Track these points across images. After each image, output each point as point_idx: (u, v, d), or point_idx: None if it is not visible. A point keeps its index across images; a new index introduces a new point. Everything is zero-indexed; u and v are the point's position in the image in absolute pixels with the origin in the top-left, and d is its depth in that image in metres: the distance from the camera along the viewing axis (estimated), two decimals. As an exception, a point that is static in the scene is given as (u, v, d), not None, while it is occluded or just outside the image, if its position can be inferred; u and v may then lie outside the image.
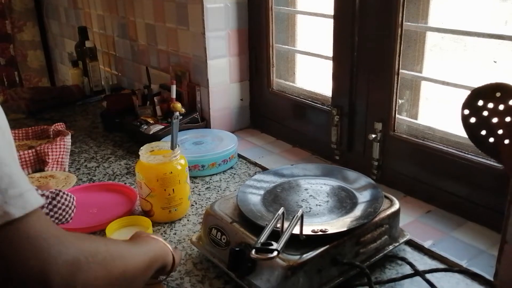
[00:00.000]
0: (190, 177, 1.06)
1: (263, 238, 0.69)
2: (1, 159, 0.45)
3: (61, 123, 1.46)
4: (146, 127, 1.39)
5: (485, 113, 0.72)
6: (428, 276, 0.80)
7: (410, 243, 0.91)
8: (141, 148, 1.01)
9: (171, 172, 0.97)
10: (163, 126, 1.38)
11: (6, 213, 0.43)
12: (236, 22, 1.41)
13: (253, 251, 0.66)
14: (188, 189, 1.04)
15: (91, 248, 0.51)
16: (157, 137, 1.32)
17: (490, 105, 0.72)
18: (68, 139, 1.32)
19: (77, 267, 0.47)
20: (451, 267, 0.84)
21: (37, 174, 1.21)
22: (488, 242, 0.89)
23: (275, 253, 0.65)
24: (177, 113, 1.12)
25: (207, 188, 1.17)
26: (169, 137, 1.06)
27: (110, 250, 0.55)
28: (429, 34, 1.03)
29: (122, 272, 0.55)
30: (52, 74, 2.86)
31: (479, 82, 0.74)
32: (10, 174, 0.45)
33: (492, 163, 0.90)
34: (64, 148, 1.29)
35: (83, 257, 0.48)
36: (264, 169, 1.24)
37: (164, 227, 1.00)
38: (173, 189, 0.99)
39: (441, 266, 0.84)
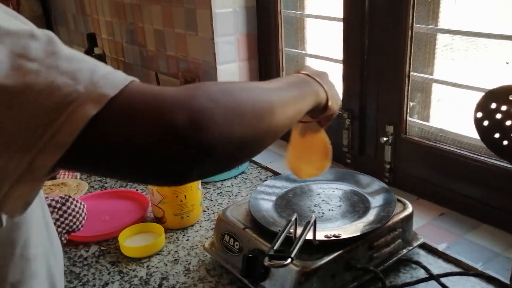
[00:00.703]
0: (201, 182, 1.07)
1: (276, 244, 0.69)
2: (75, 55, 0.42)
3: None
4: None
5: (499, 116, 0.72)
6: (443, 280, 0.79)
7: (424, 246, 0.90)
8: None
9: None
10: (173, 132, 1.38)
11: (102, 95, 0.39)
12: (245, 26, 1.41)
13: (267, 259, 0.66)
14: (200, 195, 1.04)
15: (216, 87, 0.46)
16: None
17: (504, 108, 0.71)
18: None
19: (197, 102, 0.42)
20: (466, 270, 0.83)
21: (49, 182, 1.22)
22: (504, 244, 0.88)
23: (289, 260, 0.65)
24: None
25: (218, 193, 1.17)
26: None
27: (241, 86, 0.50)
28: (439, 36, 1.03)
29: (252, 106, 0.48)
30: (62, 80, 2.89)
31: (491, 84, 0.73)
32: (88, 65, 0.42)
33: (506, 165, 0.89)
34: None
35: (213, 95, 0.44)
36: (275, 174, 1.24)
37: (176, 233, 1.00)
38: (185, 195, 0.99)
39: (456, 269, 0.84)
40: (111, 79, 0.41)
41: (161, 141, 0.40)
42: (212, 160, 0.43)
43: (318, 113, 0.70)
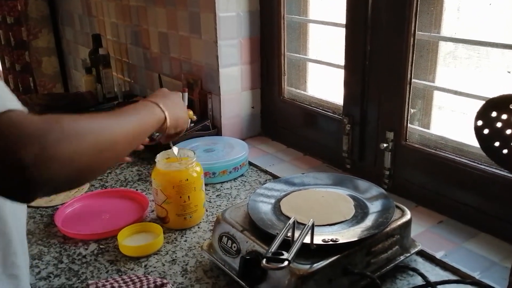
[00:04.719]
0: (200, 184, 1.07)
1: (274, 247, 0.69)
2: None
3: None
4: (157, 134, 1.39)
5: (499, 124, 0.72)
6: (439, 287, 0.79)
7: (422, 253, 0.90)
8: (157, 155, 1.02)
9: (187, 179, 0.98)
10: (174, 133, 1.39)
11: None
12: (248, 30, 1.42)
13: (264, 261, 0.66)
14: (203, 196, 1.04)
15: (63, 124, 0.53)
16: (168, 143, 1.33)
17: (504, 117, 0.71)
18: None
19: (46, 140, 0.49)
20: (463, 278, 0.83)
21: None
22: (501, 253, 0.88)
23: (286, 262, 0.65)
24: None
25: (217, 195, 1.17)
26: (182, 144, 1.06)
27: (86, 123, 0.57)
28: (442, 44, 1.03)
29: (95, 143, 0.56)
30: (66, 80, 2.90)
31: (492, 92, 0.74)
32: None
33: (506, 173, 0.89)
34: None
35: (56, 132, 0.51)
36: (275, 177, 1.24)
37: (175, 234, 1.00)
38: (188, 196, 0.99)
39: (453, 277, 0.84)
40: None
41: (5, 171, 0.47)
42: (51, 188, 0.52)
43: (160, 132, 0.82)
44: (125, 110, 0.70)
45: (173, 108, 0.81)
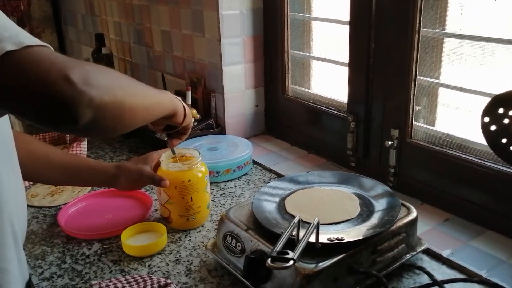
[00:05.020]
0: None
1: (279, 246, 0.68)
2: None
3: (77, 129, 1.47)
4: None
5: (506, 121, 0.71)
6: (446, 286, 0.79)
7: (428, 252, 0.89)
8: (162, 154, 1.01)
9: (190, 180, 0.97)
10: (178, 132, 1.38)
11: (21, 42, 0.49)
12: (252, 28, 1.41)
13: (269, 260, 0.66)
14: (208, 197, 1.03)
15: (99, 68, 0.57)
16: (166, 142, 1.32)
17: (511, 113, 0.70)
18: (84, 144, 1.33)
19: (89, 73, 0.52)
20: (470, 277, 0.82)
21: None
22: (509, 251, 0.87)
23: (291, 262, 0.65)
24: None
25: (221, 194, 1.16)
26: (186, 143, 1.06)
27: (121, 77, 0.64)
28: (446, 40, 1.02)
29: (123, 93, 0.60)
30: (69, 80, 2.90)
31: (498, 89, 0.73)
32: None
33: (512, 171, 0.88)
34: (80, 153, 1.30)
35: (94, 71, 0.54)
36: (279, 176, 1.24)
37: (179, 233, 1.00)
38: (191, 197, 0.98)
39: (460, 276, 0.83)
40: (31, 37, 0.51)
41: (54, 85, 0.49)
42: (91, 112, 0.53)
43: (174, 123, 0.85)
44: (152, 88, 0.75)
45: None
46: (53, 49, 0.54)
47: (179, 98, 0.84)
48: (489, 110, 0.72)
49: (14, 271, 0.66)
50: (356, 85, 1.18)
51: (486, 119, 0.73)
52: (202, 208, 1.01)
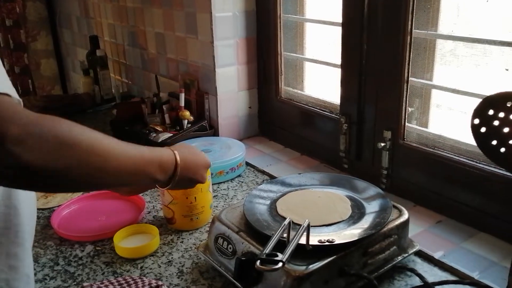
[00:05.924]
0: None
1: (268, 248, 0.68)
2: None
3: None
4: (155, 135, 1.39)
5: (496, 122, 0.71)
6: (438, 288, 0.79)
7: (420, 254, 0.89)
8: None
9: None
10: (171, 134, 1.38)
11: None
12: (245, 30, 1.41)
13: (258, 262, 0.66)
14: (211, 197, 1.04)
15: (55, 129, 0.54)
16: (165, 145, 1.32)
17: (501, 115, 0.70)
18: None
19: (32, 136, 0.51)
20: (462, 279, 0.82)
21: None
22: (501, 253, 0.87)
23: (280, 264, 0.65)
24: None
25: (214, 196, 1.16)
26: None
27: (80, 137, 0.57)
28: (439, 42, 1.02)
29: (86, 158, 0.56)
30: (64, 82, 2.90)
31: (490, 90, 0.73)
32: None
33: (504, 172, 0.88)
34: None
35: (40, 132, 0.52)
36: (272, 177, 1.23)
37: (171, 235, 1.00)
38: (195, 197, 0.99)
39: (452, 278, 0.83)
40: None
41: None
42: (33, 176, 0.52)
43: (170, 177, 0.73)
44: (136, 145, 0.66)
45: (185, 152, 0.76)
46: (14, 100, 0.53)
47: (171, 148, 0.74)
48: (479, 112, 0.72)
49: (25, 270, 0.68)
50: (348, 87, 1.18)
51: (476, 121, 0.72)
52: (206, 208, 1.02)
